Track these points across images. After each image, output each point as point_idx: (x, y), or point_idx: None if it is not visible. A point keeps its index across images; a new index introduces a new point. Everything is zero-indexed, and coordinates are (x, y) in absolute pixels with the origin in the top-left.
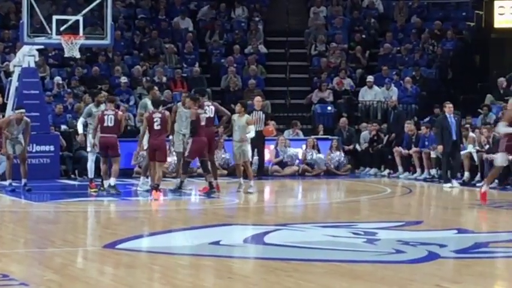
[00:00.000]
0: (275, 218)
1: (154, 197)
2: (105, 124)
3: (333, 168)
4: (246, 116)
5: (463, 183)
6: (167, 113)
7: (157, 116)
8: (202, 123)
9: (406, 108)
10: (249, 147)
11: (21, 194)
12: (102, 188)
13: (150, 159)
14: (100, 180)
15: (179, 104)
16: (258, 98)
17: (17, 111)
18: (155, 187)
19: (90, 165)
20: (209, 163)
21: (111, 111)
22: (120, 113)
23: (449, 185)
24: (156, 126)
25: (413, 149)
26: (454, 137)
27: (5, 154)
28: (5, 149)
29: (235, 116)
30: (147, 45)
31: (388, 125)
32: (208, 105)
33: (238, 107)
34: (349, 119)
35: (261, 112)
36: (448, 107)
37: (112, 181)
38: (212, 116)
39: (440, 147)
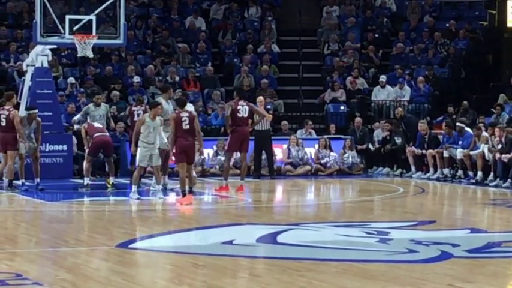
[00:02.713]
0: (288, 217)
1: (187, 202)
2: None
3: (345, 168)
4: (159, 118)
5: (476, 183)
6: (194, 112)
7: (185, 115)
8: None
9: (419, 108)
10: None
11: (34, 193)
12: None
13: (180, 160)
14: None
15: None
16: (260, 98)
17: (29, 112)
18: (189, 191)
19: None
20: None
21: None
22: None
23: None
24: (185, 126)
25: (435, 150)
26: None
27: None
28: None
29: (147, 118)
30: (159, 44)
31: (403, 131)
32: (243, 105)
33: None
34: (362, 119)
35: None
36: None
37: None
38: (246, 116)
39: None
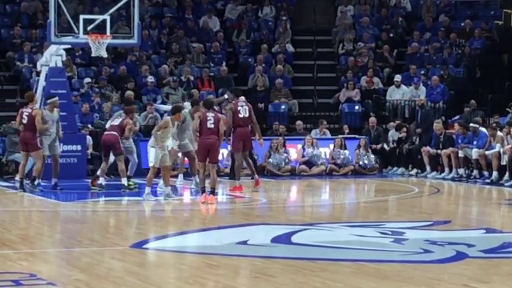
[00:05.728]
0: (302, 217)
1: (210, 201)
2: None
3: (360, 168)
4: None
5: (491, 183)
6: (219, 114)
7: (210, 115)
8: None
9: (434, 107)
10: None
11: (49, 193)
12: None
13: (201, 160)
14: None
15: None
16: None
17: (50, 101)
18: (211, 191)
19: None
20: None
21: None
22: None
23: None
24: (210, 125)
25: (450, 149)
26: None
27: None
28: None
29: (171, 123)
30: (174, 44)
31: (416, 124)
32: (242, 106)
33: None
34: (376, 119)
35: None
36: None
37: (124, 181)
38: (247, 115)
39: None
